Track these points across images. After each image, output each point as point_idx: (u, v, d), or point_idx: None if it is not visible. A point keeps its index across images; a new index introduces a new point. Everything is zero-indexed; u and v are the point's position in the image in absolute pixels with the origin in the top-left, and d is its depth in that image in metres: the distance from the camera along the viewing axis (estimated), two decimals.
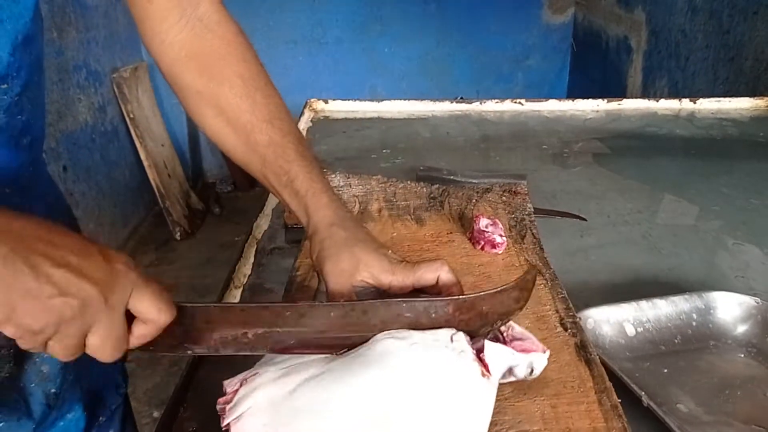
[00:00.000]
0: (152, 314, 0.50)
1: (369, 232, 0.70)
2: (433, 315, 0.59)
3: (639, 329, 0.81)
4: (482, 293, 0.59)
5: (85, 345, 0.48)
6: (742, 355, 0.79)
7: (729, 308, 0.83)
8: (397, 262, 0.65)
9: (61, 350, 0.47)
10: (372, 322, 0.58)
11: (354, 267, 0.64)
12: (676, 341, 0.81)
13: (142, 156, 3.27)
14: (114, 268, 0.48)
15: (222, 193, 4.04)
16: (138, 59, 3.60)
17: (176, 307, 0.52)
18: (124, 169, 3.25)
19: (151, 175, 3.25)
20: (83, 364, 0.72)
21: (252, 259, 1.00)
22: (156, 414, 1.95)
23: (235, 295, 0.92)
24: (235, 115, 0.71)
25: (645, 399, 0.65)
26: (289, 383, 0.55)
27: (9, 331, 0.45)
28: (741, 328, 0.82)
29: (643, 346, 0.80)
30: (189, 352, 0.57)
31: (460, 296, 0.60)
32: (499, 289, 0.59)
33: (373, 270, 0.64)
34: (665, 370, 0.77)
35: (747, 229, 1.14)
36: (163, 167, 3.41)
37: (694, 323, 0.82)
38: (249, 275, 0.97)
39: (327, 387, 0.54)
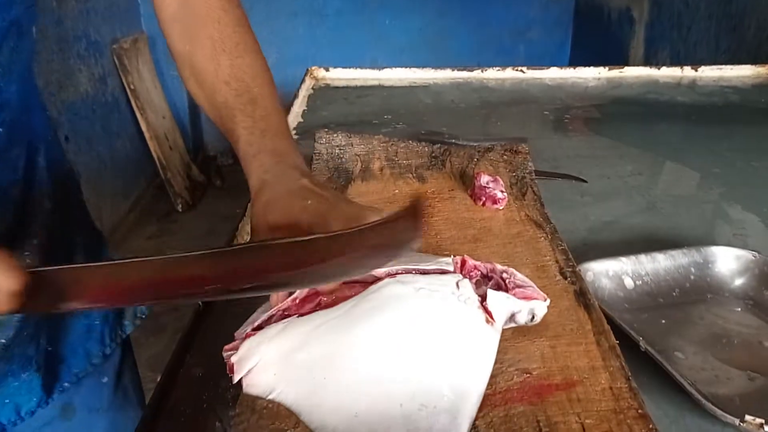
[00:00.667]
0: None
1: (305, 185, 0.63)
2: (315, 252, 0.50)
3: (638, 282, 0.82)
4: (373, 223, 0.51)
5: None
6: (739, 308, 0.81)
7: (727, 262, 0.84)
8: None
9: None
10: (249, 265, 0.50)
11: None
12: (674, 294, 0.82)
13: (143, 128, 3.27)
14: None
15: (223, 165, 4.04)
16: (138, 30, 3.58)
17: (32, 272, 0.47)
18: (125, 140, 3.25)
19: (152, 146, 3.26)
20: (45, 322, 0.71)
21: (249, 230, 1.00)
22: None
23: None
24: (202, 76, 0.71)
25: (643, 344, 0.66)
26: (296, 335, 0.56)
27: None
28: (738, 282, 0.83)
29: (641, 298, 0.81)
30: (72, 309, 0.55)
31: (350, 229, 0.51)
32: (390, 216, 0.51)
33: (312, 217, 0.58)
34: (663, 321, 0.78)
35: (747, 190, 1.14)
36: (164, 139, 3.41)
37: (692, 277, 0.84)
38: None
39: (336, 335, 0.55)
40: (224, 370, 0.68)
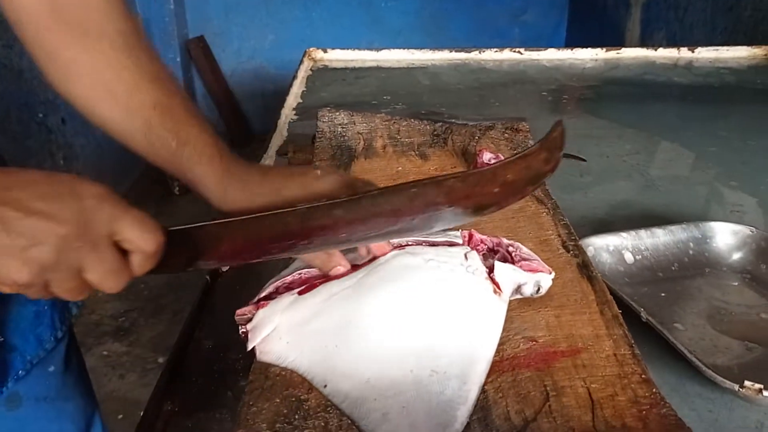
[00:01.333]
0: (138, 242, 0.48)
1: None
2: (448, 193, 0.53)
3: (637, 257, 0.84)
4: (503, 161, 0.54)
5: (84, 285, 0.47)
6: (737, 282, 0.82)
7: (725, 237, 0.86)
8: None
9: (65, 293, 0.47)
10: (384, 209, 0.53)
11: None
12: (673, 268, 0.84)
13: None
14: (84, 204, 0.46)
15: None
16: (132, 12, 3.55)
17: (170, 231, 0.51)
18: None
19: None
20: None
21: None
22: (161, 360, 1.99)
23: None
24: (115, 73, 0.60)
25: (644, 315, 0.67)
26: (309, 305, 0.57)
27: (3, 289, 0.45)
28: (736, 256, 0.84)
29: (641, 272, 0.82)
30: (199, 268, 0.56)
31: (478, 169, 0.55)
32: (522, 153, 0.54)
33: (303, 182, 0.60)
34: (663, 295, 0.79)
35: (743, 169, 1.16)
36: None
37: (690, 251, 0.85)
38: None
39: (348, 305, 0.56)
40: (234, 342, 0.69)
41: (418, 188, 0.52)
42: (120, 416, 1.82)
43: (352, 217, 0.53)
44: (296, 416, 0.50)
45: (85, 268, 0.46)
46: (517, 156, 0.54)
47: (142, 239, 0.48)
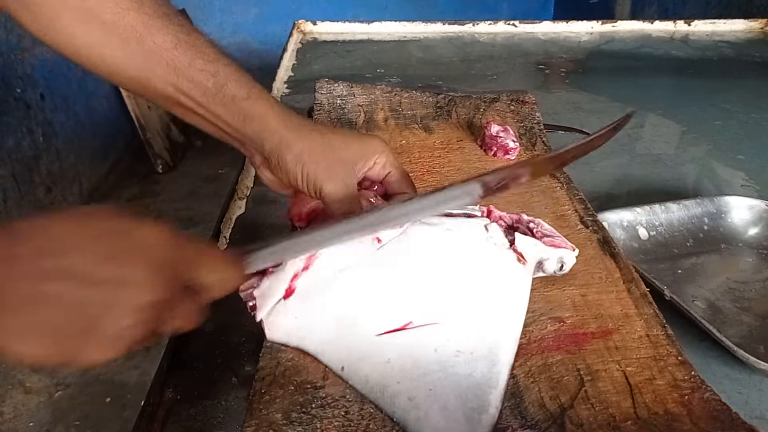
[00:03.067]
0: (221, 286, 0.44)
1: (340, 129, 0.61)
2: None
3: (652, 233, 0.81)
4: (575, 144, 0.59)
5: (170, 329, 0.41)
6: (753, 258, 0.80)
7: (740, 212, 0.83)
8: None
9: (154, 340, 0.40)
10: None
11: (349, 170, 0.56)
12: (688, 244, 0.81)
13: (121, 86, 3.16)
14: (156, 257, 0.39)
15: None
16: None
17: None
18: (102, 99, 3.15)
19: (130, 105, 3.16)
20: None
21: (254, 171, 0.97)
22: None
23: (240, 206, 0.90)
24: (116, 16, 0.52)
25: (667, 292, 0.65)
26: (320, 275, 0.53)
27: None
28: (752, 231, 0.82)
29: (656, 249, 0.80)
30: None
31: (552, 154, 0.60)
32: (593, 136, 0.60)
33: (376, 158, 0.58)
34: (679, 271, 0.77)
35: (749, 142, 1.13)
36: (142, 98, 3.31)
37: (705, 227, 0.82)
38: (252, 187, 0.95)
39: (362, 279, 0.52)
40: (235, 325, 0.66)
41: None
42: (108, 399, 1.78)
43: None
44: (313, 405, 0.46)
45: (163, 325, 0.40)
46: (590, 138, 0.60)
47: (225, 282, 0.44)
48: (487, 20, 1.88)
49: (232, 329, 0.66)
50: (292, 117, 0.56)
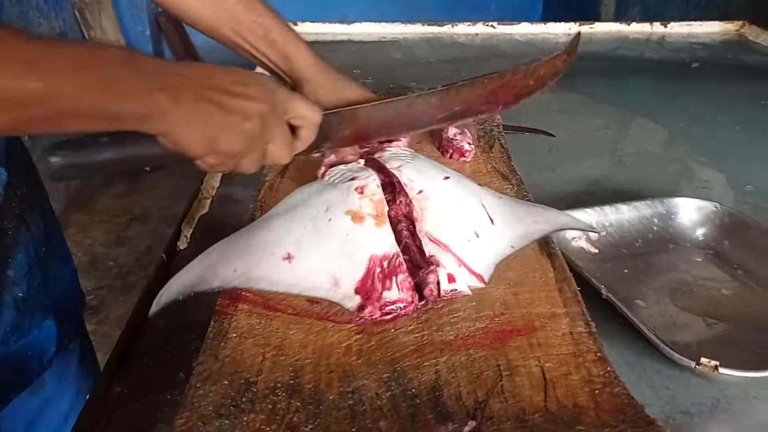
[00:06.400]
0: (308, 115, 0.60)
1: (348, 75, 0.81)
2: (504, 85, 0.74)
3: (602, 233, 0.83)
4: (542, 61, 0.77)
5: (264, 156, 0.58)
6: (700, 258, 0.82)
7: (689, 213, 0.85)
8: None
9: (251, 165, 0.57)
10: (458, 99, 0.73)
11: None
12: (637, 244, 0.83)
13: None
14: (269, 88, 0.57)
15: None
16: None
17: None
18: None
19: None
20: (48, 270, 0.73)
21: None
22: None
23: (204, 206, 0.92)
24: None
25: (604, 292, 0.67)
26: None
27: (211, 161, 0.54)
28: (700, 232, 0.84)
29: (605, 248, 0.82)
30: (325, 149, 0.69)
31: (522, 67, 0.75)
32: (553, 56, 0.77)
33: None
34: (626, 271, 0.79)
35: (712, 145, 1.16)
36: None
37: (655, 227, 0.85)
38: (217, 187, 0.97)
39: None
40: (189, 322, 0.68)
41: (485, 82, 0.74)
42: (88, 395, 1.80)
43: (441, 103, 0.72)
44: (243, 399, 0.48)
45: (273, 140, 0.57)
46: (548, 59, 0.77)
47: (311, 113, 0.61)
48: (475, 19, 1.90)
49: (186, 326, 0.68)
50: (316, 60, 0.77)
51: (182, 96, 0.50)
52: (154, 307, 0.56)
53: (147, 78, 0.49)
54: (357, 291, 0.57)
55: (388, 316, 0.56)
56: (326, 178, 0.66)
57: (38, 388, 0.76)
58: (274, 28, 0.74)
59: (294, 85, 0.75)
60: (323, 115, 0.63)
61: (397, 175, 0.64)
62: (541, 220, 0.68)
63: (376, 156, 0.69)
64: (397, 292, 0.57)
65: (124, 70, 0.47)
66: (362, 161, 0.68)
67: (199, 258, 0.59)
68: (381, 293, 0.57)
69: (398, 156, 0.68)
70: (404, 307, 0.56)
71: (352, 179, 0.63)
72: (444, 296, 0.58)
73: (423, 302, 0.57)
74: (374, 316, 0.56)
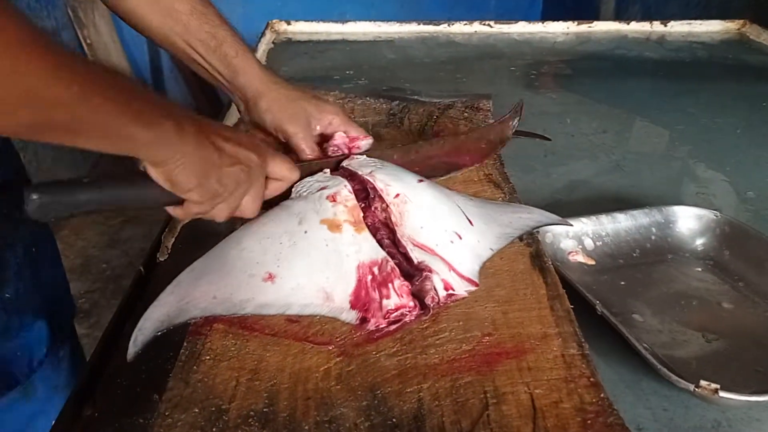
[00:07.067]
0: (287, 175, 0.63)
1: (303, 87, 0.81)
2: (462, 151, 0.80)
3: (598, 243, 0.80)
4: (491, 124, 0.84)
5: (239, 206, 0.60)
6: (700, 268, 0.79)
7: (688, 222, 0.82)
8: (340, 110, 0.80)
9: (224, 212, 0.59)
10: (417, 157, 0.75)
11: (307, 119, 0.77)
12: (634, 254, 0.80)
13: None
14: (257, 142, 0.61)
15: None
16: None
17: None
18: None
19: None
20: (39, 272, 0.71)
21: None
22: None
23: None
24: None
25: (599, 307, 0.64)
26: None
27: (195, 196, 0.55)
28: (699, 241, 0.81)
29: (601, 259, 0.79)
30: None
31: (474, 130, 0.80)
32: (500, 119, 0.83)
33: (332, 118, 0.77)
34: (623, 283, 0.76)
35: (711, 148, 1.13)
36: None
37: (653, 237, 0.82)
38: None
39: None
40: (167, 340, 0.64)
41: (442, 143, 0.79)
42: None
43: (401, 160, 0.73)
44: (213, 429, 0.45)
45: (250, 191, 0.60)
46: (494, 122, 0.79)
47: (290, 173, 0.64)
48: (474, 17, 1.86)
49: (163, 344, 0.65)
50: (268, 74, 0.78)
51: (187, 128, 0.52)
52: (132, 348, 0.54)
53: (159, 106, 0.51)
54: (353, 304, 0.55)
55: (395, 325, 0.54)
56: (292, 193, 0.64)
57: (30, 392, 0.74)
58: (227, 40, 0.75)
59: (246, 102, 0.77)
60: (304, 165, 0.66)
61: (371, 180, 0.61)
62: (515, 219, 0.66)
63: (344, 164, 0.66)
64: (397, 299, 0.54)
65: (140, 96, 0.49)
66: (328, 171, 0.66)
67: (169, 289, 0.57)
68: (380, 302, 0.54)
69: (367, 163, 0.66)
70: (408, 312, 0.54)
71: (322, 189, 0.60)
72: (444, 303, 0.55)
73: (424, 311, 0.55)
74: (380, 326, 0.54)
